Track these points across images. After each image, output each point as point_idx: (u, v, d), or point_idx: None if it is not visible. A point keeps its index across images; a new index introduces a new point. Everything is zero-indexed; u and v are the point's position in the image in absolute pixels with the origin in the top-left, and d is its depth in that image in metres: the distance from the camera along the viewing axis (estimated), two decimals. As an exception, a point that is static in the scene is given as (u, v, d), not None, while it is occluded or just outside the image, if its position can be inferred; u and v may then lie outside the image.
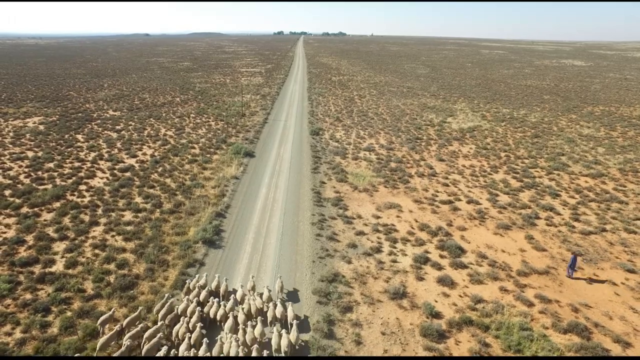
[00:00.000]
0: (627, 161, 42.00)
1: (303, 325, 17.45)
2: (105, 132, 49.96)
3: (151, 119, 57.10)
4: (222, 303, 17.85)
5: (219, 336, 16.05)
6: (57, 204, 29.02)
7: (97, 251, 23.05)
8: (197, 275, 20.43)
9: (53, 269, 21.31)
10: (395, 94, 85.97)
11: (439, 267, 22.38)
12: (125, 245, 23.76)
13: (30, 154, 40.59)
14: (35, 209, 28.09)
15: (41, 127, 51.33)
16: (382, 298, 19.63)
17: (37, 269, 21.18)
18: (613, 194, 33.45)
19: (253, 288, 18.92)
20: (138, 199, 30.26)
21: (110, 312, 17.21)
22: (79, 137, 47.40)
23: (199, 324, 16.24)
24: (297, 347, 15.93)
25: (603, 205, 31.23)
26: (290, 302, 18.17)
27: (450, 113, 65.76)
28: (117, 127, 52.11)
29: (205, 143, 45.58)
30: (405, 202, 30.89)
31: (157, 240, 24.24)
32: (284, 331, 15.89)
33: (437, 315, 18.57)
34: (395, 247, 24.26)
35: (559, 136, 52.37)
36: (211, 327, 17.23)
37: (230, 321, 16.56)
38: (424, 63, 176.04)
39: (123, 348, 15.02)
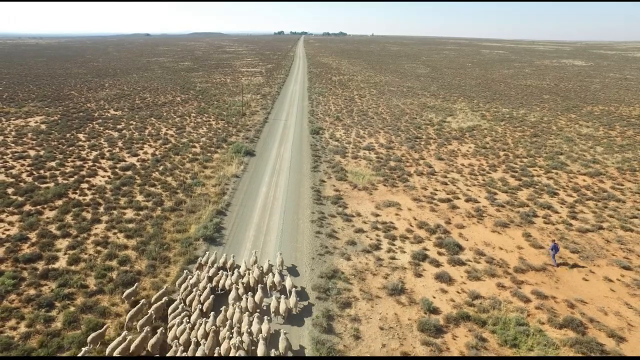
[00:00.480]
0: (625, 160, 42.24)
1: (301, 293, 19.46)
2: (107, 131, 50.25)
3: (152, 119, 57.40)
4: (227, 274, 20.04)
5: (223, 307, 17.72)
6: (60, 202, 29.30)
7: (99, 248, 23.34)
8: (207, 253, 22.26)
9: (56, 265, 21.60)
10: (395, 93, 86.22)
11: (437, 264, 22.66)
12: (127, 243, 24.04)
13: (32, 152, 40.88)
14: (38, 207, 28.38)
15: (43, 127, 51.61)
16: (381, 294, 19.91)
17: (40, 265, 21.47)
18: (610, 192, 33.70)
19: (255, 262, 20.95)
20: (139, 197, 30.55)
21: (134, 287, 18.63)
22: (81, 136, 47.68)
23: (211, 296, 18.20)
24: (295, 312, 17.90)
25: (600, 203, 31.49)
26: (288, 274, 20.37)
27: (450, 112, 66.01)
28: (119, 127, 52.41)
29: (206, 142, 45.88)
30: (404, 200, 31.16)
31: (158, 237, 24.53)
32: (282, 297, 17.82)
33: (434, 310, 18.84)
34: (394, 245, 24.53)
35: (558, 135, 52.61)
36: (219, 298, 19.08)
37: (233, 292, 18.54)
38: (424, 63, 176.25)
39: (147, 316, 16.90)
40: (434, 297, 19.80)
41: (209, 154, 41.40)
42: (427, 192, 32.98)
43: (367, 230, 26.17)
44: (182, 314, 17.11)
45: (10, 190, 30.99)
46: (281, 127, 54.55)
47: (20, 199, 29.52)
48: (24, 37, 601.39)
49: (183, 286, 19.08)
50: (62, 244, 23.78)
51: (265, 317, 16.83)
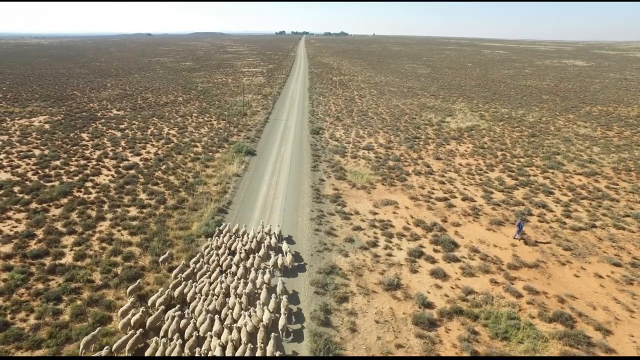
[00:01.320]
0: (621, 160, 42.79)
1: (296, 256, 23.11)
2: (110, 131, 50.96)
3: (154, 118, 58.11)
4: (238, 239, 24.04)
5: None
6: (65, 200, 30.01)
7: (104, 245, 24.02)
8: (223, 224, 26.21)
9: (63, 261, 22.29)
10: (396, 93, 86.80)
11: (433, 261, 23.28)
12: (131, 239, 24.73)
13: (37, 152, 41.60)
14: (44, 205, 29.07)
15: (47, 126, 52.35)
16: (377, 289, 20.55)
17: (47, 261, 22.16)
18: (605, 191, 34.27)
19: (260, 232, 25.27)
20: (143, 196, 31.24)
21: (137, 283, 19.80)
22: (84, 135, 48.40)
23: (229, 257, 22.35)
24: (290, 267, 21.79)
25: (595, 202, 32.07)
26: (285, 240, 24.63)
27: (449, 113, 66.59)
28: (121, 126, 53.11)
29: (208, 142, 46.56)
30: (401, 199, 31.80)
31: (161, 234, 25.22)
32: (280, 255, 22.03)
33: (429, 305, 19.47)
34: (390, 242, 25.17)
35: (556, 136, 53.15)
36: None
37: (237, 255, 22.34)
38: (425, 63, 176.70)
39: (172, 283, 19.84)
40: (429, 292, 20.43)
41: (210, 154, 42.07)
42: (425, 191, 33.60)
43: (365, 228, 26.81)
44: (205, 273, 20.82)
45: (16, 189, 31.69)
46: (282, 127, 55.20)
47: (26, 197, 30.22)
48: (26, 36, 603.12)
49: (206, 250, 23.09)
50: (68, 240, 24.46)
51: (267, 269, 21.01)
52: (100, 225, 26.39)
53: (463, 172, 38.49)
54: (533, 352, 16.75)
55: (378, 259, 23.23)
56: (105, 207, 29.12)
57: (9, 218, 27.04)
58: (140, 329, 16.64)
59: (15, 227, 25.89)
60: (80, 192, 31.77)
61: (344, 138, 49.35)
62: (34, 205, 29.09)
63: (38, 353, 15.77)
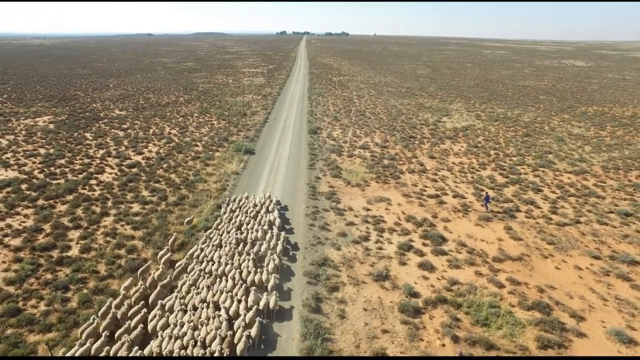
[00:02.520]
0: (610, 159, 43.83)
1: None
2: (113, 130, 52.22)
3: (156, 118, 59.36)
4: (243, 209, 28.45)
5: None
6: (70, 197, 31.24)
7: (108, 238, 25.24)
8: (232, 197, 30.66)
9: (69, 253, 23.52)
10: (394, 94, 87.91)
11: (421, 254, 24.44)
12: (134, 234, 25.95)
13: (42, 151, 42.86)
14: (50, 201, 30.33)
15: (51, 126, 53.62)
16: (367, 280, 21.72)
17: (55, 254, 23.39)
18: (592, 189, 35.35)
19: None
20: (145, 193, 32.47)
21: (146, 265, 21.82)
22: (88, 135, 49.67)
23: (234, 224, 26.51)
24: (278, 225, 26.20)
25: (581, 199, 33.16)
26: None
27: (445, 113, 67.67)
28: (124, 126, 54.37)
29: (208, 141, 47.78)
30: (394, 196, 32.95)
31: (163, 229, 26.44)
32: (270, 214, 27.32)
33: (415, 294, 20.62)
34: (382, 236, 26.33)
35: (549, 135, 54.19)
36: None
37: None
38: (424, 63, 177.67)
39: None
40: (416, 283, 21.59)
41: (210, 153, 43.29)
42: (417, 188, 34.74)
43: (358, 223, 27.98)
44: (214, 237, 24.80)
45: (24, 186, 32.95)
46: (280, 127, 56.39)
47: (33, 194, 31.48)
48: (27, 37, 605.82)
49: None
50: (74, 234, 25.70)
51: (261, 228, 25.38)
52: (105, 221, 27.60)
53: (456, 170, 39.61)
54: (510, 337, 17.87)
55: (369, 252, 24.39)
56: (109, 203, 30.34)
57: (18, 214, 28.29)
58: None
59: (24, 222, 27.12)
60: (85, 189, 32.99)
61: (341, 137, 50.51)
62: (41, 201, 30.34)
63: (49, 336, 16.97)
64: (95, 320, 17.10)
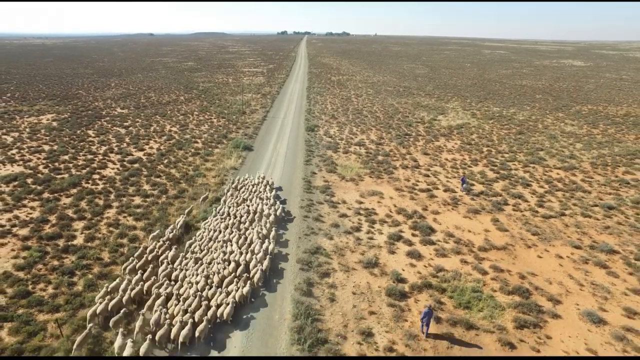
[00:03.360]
0: (600, 156, 44.94)
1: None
2: (114, 128, 53.44)
3: (157, 116, 60.58)
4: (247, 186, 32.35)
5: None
6: (74, 191, 32.45)
7: (111, 229, 26.44)
8: (236, 177, 35.10)
9: (75, 242, 24.72)
10: (392, 93, 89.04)
11: (410, 244, 25.59)
12: (135, 224, 27.14)
13: (46, 147, 44.08)
14: (55, 195, 31.53)
15: (54, 124, 54.85)
16: (357, 267, 22.89)
17: (61, 242, 24.59)
18: (579, 184, 36.47)
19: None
20: (146, 187, 33.67)
21: (158, 232, 25.27)
22: (90, 132, 50.90)
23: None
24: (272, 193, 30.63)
25: (568, 194, 34.28)
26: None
27: (441, 111, 68.79)
28: (125, 124, 55.60)
29: (208, 138, 48.99)
30: (387, 190, 34.12)
31: (163, 220, 27.62)
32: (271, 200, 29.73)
33: (402, 280, 21.78)
34: (373, 227, 27.50)
35: (542, 133, 55.28)
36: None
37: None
38: (423, 63, 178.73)
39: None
40: (403, 270, 22.74)
41: (210, 149, 44.50)
42: (410, 183, 35.90)
43: (350, 215, 29.15)
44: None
45: (29, 180, 34.17)
46: (279, 125, 57.57)
47: (39, 187, 32.68)
48: (29, 37, 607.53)
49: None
50: (79, 225, 26.90)
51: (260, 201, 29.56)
52: (108, 212, 28.81)
53: (448, 166, 40.75)
54: (490, 318, 19.01)
55: (360, 241, 25.56)
56: (112, 196, 31.54)
57: (24, 206, 29.50)
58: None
59: (30, 213, 28.33)
60: (88, 183, 34.20)
61: (338, 135, 51.68)
62: (46, 195, 31.53)
63: (57, 316, 18.14)
64: (134, 260, 21.66)
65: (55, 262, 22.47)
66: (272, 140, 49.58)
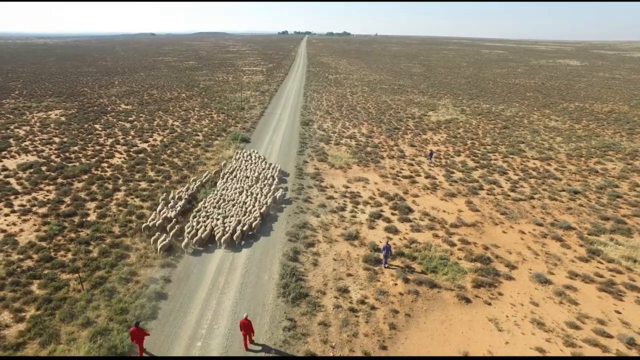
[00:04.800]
0: (576, 148, 47.76)
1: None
2: (120, 122, 56.42)
3: (160, 112, 63.55)
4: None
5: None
6: (85, 177, 35.41)
7: (120, 208, 29.38)
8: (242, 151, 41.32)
9: (88, 218, 27.67)
10: (386, 91, 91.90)
11: (389, 221, 28.48)
12: (142, 204, 30.08)
13: (57, 139, 47.05)
14: (68, 180, 34.48)
15: (62, 118, 57.85)
16: (339, 239, 25.80)
17: (76, 219, 27.53)
18: (552, 172, 39.32)
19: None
20: (151, 173, 36.62)
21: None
22: (97, 126, 53.88)
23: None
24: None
25: (540, 180, 37.14)
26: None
27: (432, 108, 71.64)
28: (130, 119, 58.57)
29: (208, 131, 51.94)
30: (372, 176, 37.04)
31: (167, 201, 30.52)
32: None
33: (378, 250, 24.61)
34: (356, 208, 30.40)
35: (526, 128, 58.10)
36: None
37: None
38: (421, 62, 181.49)
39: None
40: (380, 242, 25.58)
41: (210, 141, 47.46)
42: (394, 170, 38.80)
43: (337, 197, 32.07)
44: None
45: (44, 168, 37.14)
46: (275, 120, 60.50)
47: (53, 174, 35.66)
48: (31, 36, 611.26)
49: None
50: (91, 205, 29.85)
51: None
52: (117, 195, 31.76)
53: (437, 163, 43.57)
54: (452, 280, 21.90)
55: (344, 219, 28.48)
56: (120, 181, 34.50)
57: (41, 189, 32.47)
58: None
59: (47, 195, 31.30)
60: (98, 170, 37.16)
61: (331, 128, 54.60)
62: (60, 180, 34.49)
63: (77, 275, 21.08)
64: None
65: (72, 235, 25.42)
66: (269, 133, 52.53)
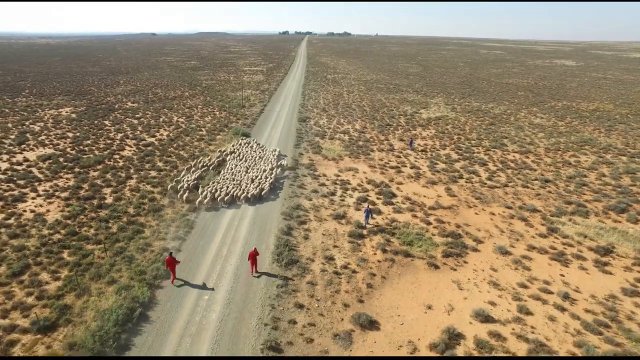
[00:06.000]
0: (556, 143, 51.09)
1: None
2: (127, 119, 59.85)
3: (165, 109, 66.99)
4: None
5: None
6: (100, 167, 38.83)
7: (134, 192, 32.77)
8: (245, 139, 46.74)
9: (106, 201, 31.09)
10: (382, 90, 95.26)
11: (373, 204, 31.83)
12: (153, 190, 33.48)
13: (70, 134, 50.49)
14: (85, 169, 37.91)
15: (73, 115, 61.28)
16: (328, 218, 29.18)
17: (95, 201, 30.95)
18: (529, 164, 42.65)
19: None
20: (160, 164, 40.03)
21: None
22: (106, 122, 57.31)
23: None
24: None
25: (516, 171, 40.48)
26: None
27: (424, 106, 75.01)
28: (137, 116, 62.01)
29: (211, 127, 55.36)
30: (362, 167, 40.42)
31: (175, 187, 33.96)
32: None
33: (362, 227, 28.02)
34: (345, 193, 33.78)
35: (512, 124, 61.42)
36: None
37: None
38: (418, 62, 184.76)
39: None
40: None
41: (213, 135, 50.88)
42: (382, 162, 42.16)
43: (328, 184, 35.45)
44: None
45: (61, 159, 40.58)
46: (274, 117, 63.91)
47: (70, 164, 39.07)
48: (32, 36, 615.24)
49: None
50: (107, 190, 33.26)
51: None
52: (129, 182, 35.18)
53: (419, 149, 46.98)
54: (425, 251, 25.25)
55: (333, 202, 31.86)
56: (132, 170, 37.91)
57: (61, 177, 35.90)
58: None
59: (67, 182, 34.72)
60: (111, 161, 40.58)
61: (326, 125, 57.99)
62: (77, 169, 37.93)
63: (100, 246, 24.49)
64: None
65: (93, 214, 28.83)
66: (268, 128, 55.95)
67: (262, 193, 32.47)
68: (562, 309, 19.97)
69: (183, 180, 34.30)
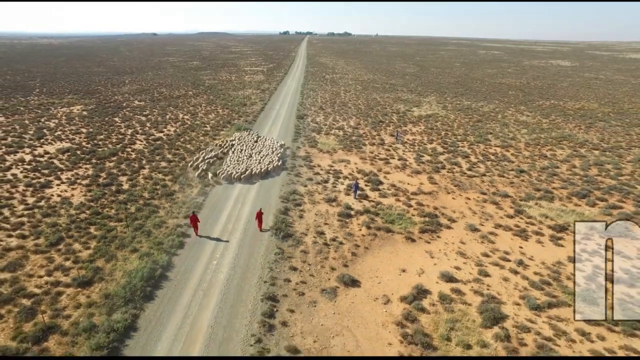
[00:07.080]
0: (536, 138, 54.79)
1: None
2: (136, 116, 63.62)
3: (170, 107, 70.75)
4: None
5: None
6: (114, 158, 42.60)
7: (147, 180, 36.54)
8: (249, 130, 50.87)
9: (123, 187, 34.87)
10: (378, 89, 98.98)
11: (361, 190, 35.59)
12: (164, 178, 37.25)
13: (84, 130, 54.24)
14: (101, 160, 41.69)
15: (85, 113, 65.03)
16: (321, 201, 32.92)
17: (113, 187, 34.71)
18: (508, 156, 46.36)
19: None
20: (169, 156, 43.79)
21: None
22: (116, 119, 61.07)
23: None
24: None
25: (495, 162, 44.19)
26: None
27: (417, 104, 78.73)
28: (144, 113, 65.77)
29: (214, 123, 59.13)
30: (353, 158, 44.16)
31: (184, 175, 37.73)
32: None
33: (350, 208, 31.67)
34: (337, 181, 37.52)
35: (498, 121, 65.11)
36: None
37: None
38: (416, 63, 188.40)
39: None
40: (353, 204, 32.66)
41: (217, 131, 54.64)
42: (373, 154, 45.90)
43: (322, 173, 39.21)
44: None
45: (78, 152, 44.35)
46: (274, 114, 67.67)
47: (87, 156, 42.86)
48: (33, 36, 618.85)
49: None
50: (123, 178, 37.03)
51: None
52: (143, 171, 38.94)
53: (407, 144, 50.73)
54: (404, 228, 28.98)
55: (326, 188, 35.61)
56: (144, 161, 41.67)
57: (80, 167, 39.68)
58: None
59: (86, 172, 38.49)
60: (124, 154, 44.31)
61: (323, 121, 61.74)
62: (94, 160, 41.71)
63: (122, 224, 28.25)
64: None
65: (112, 198, 32.61)
66: (268, 125, 59.72)
67: (269, 168, 38.94)
68: (516, 272, 23.71)
69: (201, 157, 41.13)
